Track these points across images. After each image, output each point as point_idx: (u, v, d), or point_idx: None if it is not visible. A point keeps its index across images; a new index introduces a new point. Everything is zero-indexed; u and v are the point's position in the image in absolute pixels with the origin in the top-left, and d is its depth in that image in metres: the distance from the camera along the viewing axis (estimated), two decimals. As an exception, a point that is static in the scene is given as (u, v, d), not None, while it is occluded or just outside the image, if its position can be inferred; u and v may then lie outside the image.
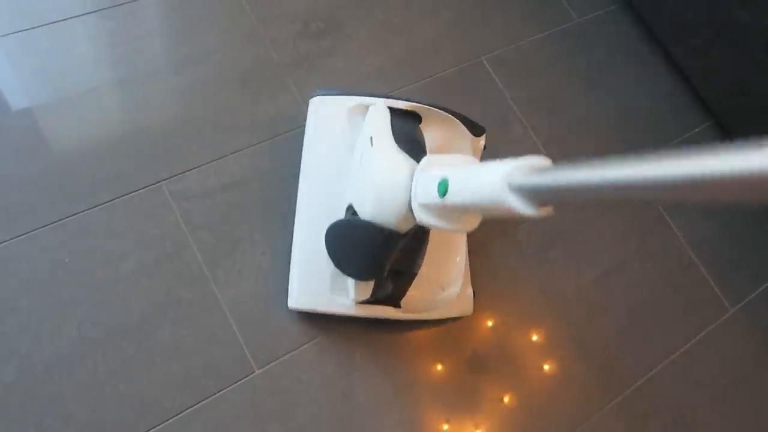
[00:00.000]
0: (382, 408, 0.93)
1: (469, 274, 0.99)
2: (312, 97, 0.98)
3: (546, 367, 1.02)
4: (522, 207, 0.54)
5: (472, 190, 0.60)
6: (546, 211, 0.54)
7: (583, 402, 1.02)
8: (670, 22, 1.26)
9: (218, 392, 0.87)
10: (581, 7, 1.33)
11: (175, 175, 0.96)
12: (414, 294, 0.92)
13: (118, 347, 0.86)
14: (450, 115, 0.95)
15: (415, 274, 0.90)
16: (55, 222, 0.89)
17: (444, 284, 0.96)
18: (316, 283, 0.90)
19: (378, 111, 0.87)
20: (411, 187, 0.71)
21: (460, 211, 0.67)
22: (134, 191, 0.94)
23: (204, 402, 0.86)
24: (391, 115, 0.85)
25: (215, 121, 1.01)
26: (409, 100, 0.93)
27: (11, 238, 0.87)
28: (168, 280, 0.90)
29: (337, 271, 0.87)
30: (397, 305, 0.92)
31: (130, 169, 0.95)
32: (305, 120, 0.98)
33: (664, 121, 1.28)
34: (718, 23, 1.15)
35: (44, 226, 0.88)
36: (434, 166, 0.70)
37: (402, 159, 0.76)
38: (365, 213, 0.77)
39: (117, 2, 1.04)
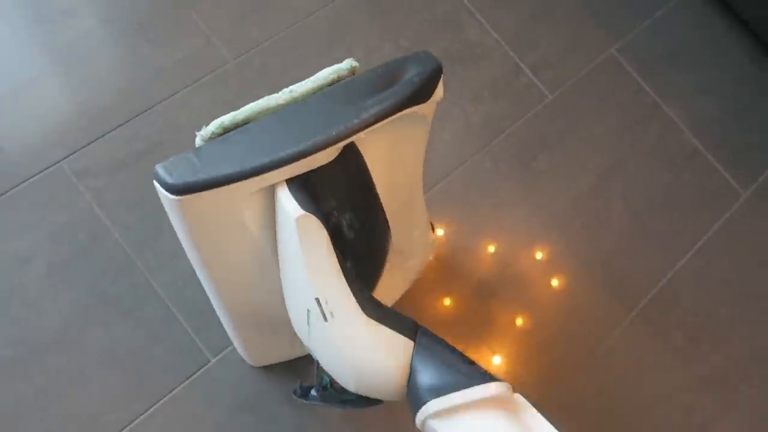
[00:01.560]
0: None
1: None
2: (179, 194, 0.52)
3: (555, 282, 0.90)
4: None
5: None
6: None
7: (601, 317, 0.90)
8: None
9: (171, 392, 0.75)
10: None
11: (75, 152, 0.80)
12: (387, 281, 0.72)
13: (43, 364, 0.73)
14: (386, 121, 0.55)
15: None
16: (-60, 231, 0.75)
17: (406, 253, 0.77)
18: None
19: (307, 227, 0.53)
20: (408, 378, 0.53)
21: None
22: (31, 177, 0.79)
23: (156, 406, 0.74)
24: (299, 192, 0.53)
25: (111, 80, 0.85)
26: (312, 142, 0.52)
27: None
28: (88, 275, 0.77)
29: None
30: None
31: (22, 152, 0.79)
32: (222, 60, 0.82)
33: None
34: None
35: (-74, 239, 0.74)
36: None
37: (383, 342, 0.54)
38: (346, 383, 0.58)
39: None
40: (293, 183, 0.53)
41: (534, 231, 0.92)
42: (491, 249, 0.91)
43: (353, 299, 0.54)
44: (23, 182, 0.78)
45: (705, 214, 1.00)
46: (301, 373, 0.75)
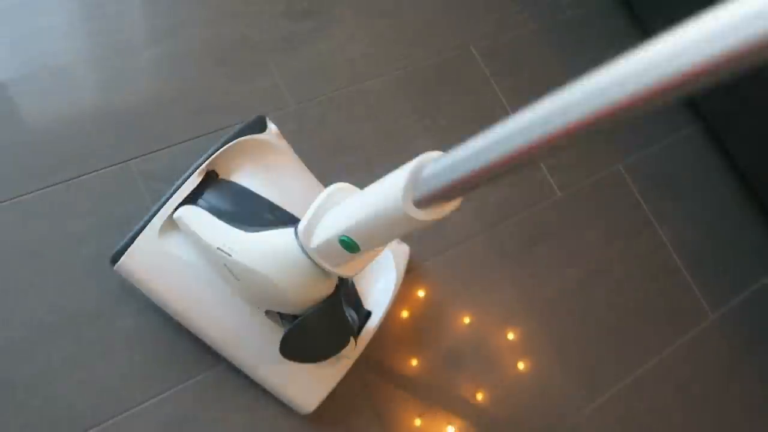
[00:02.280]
0: (354, 401, 0.89)
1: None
2: (115, 265, 0.77)
3: (521, 365, 1.00)
4: (433, 214, 0.53)
5: (379, 228, 0.57)
6: (454, 205, 0.54)
7: (561, 403, 1.00)
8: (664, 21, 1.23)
9: (179, 385, 0.83)
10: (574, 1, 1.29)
11: (144, 154, 0.91)
12: (364, 289, 0.88)
13: (76, 334, 0.81)
14: (228, 145, 0.82)
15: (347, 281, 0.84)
16: (14, 198, 0.84)
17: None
18: (305, 379, 0.82)
19: (190, 217, 0.76)
20: (310, 256, 0.65)
21: (379, 243, 0.63)
22: (101, 169, 0.88)
23: (165, 394, 0.82)
24: (200, 202, 0.78)
25: (189, 100, 0.96)
26: (184, 176, 0.80)
27: (-35, 214, 0.81)
28: (132, 265, 0.85)
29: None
30: (367, 312, 0.87)
31: (98, 146, 0.89)
32: (281, 108, 0.94)
33: (650, 120, 1.25)
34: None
35: (2, 202, 0.83)
36: (317, 233, 0.63)
37: (267, 237, 0.69)
38: (291, 308, 0.71)
39: (90, -31, 0.98)
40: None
41: (513, 312, 1.03)
42: (466, 320, 0.99)
43: (234, 230, 0.73)
44: (94, 171, 0.88)
45: (674, 327, 1.11)
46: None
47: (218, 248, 0.72)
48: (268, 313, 0.79)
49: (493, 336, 1.00)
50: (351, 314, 0.81)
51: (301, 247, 0.65)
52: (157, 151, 0.92)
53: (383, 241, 0.62)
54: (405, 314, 0.96)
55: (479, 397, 0.96)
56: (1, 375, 0.77)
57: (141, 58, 0.96)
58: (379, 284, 0.90)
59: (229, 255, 0.71)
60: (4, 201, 0.83)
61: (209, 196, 0.79)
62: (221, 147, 0.82)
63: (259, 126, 0.85)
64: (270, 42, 1.03)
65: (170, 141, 0.93)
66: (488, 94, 1.15)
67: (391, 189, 0.53)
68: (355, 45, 1.08)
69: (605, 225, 1.14)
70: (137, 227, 0.77)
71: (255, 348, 0.81)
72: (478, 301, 1.01)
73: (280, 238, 0.68)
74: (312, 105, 1.02)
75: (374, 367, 0.92)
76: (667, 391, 1.07)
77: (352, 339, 0.79)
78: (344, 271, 0.65)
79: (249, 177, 0.83)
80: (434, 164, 0.51)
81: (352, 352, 0.82)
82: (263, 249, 0.69)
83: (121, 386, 0.80)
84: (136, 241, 0.76)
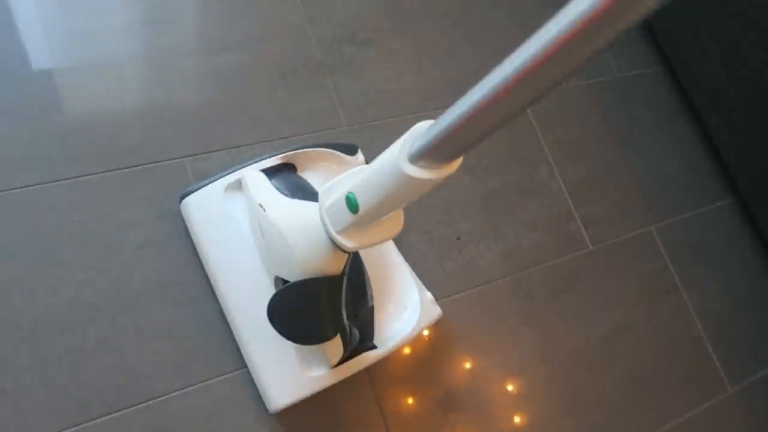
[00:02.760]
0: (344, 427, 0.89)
1: (419, 280, 0.94)
2: (181, 201, 0.88)
3: (517, 419, 0.98)
4: (426, 173, 0.54)
5: (377, 184, 0.59)
6: (451, 166, 0.55)
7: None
8: (709, 93, 1.26)
9: (204, 381, 0.84)
10: (624, 63, 1.33)
11: (199, 154, 0.94)
12: (380, 324, 0.88)
13: (112, 317, 0.82)
14: (320, 149, 0.92)
15: (372, 306, 0.87)
16: (73, 178, 0.86)
17: (402, 302, 0.92)
18: (285, 372, 0.82)
19: (252, 178, 0.84)
20: (324, 225, 0.68)
21: (380, 215, 0.65)
22: (157, 162, 0.91)
23: (190, 389, 0.83)
24: (267, 176, 0.84)
25: (247, 109, 0.99)
26: (275, 154, 0.90)
27: (24, 186, 0.84)
28: (174, 259, 0.87)
29: (300, 348, 0.82)
30: (372, 345, 0.87)
31: (156, 140, 0.92)
32: (334, 128, 0.97)
33: (686, 189, 1.28)
34: (758, 103, 1.15)
35: (60, 180, 0.86)
36: (332, 192, 0.67)
37: (301, 205, 0.74)
38: (295, 274, 0.73)
39: (172, -25, 1.03)
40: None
41: (529, 358, 1.02)
42: (470, 363, 0.98)
43: (279, 193, 0.79)
44: (152, 163, 0.91)
45: (692, 395, 1.11)
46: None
47: (259, 203, 0.78)
48: (276, 283, 0.80)
49: (494, 383, 1.00)
50: (354, 331, 0.82)
51: (321, 219, 0.68)
52: (212, 152, 0.94)
53: (382, 204, 0.61)
54: (407, 349, 0.95)
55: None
56: (37, 347, 0.78)
57: (203, 64, 1.00)
58: (397, 325, 0.91)
59: (264, 210, 0.77)
60: (64, 179, 0.86)
61: (278, 178, 0.84)
62: (312, 147, 0.91)
63: (351, 150, 0.94)
64: (331, 64, 1.07)
65: (226, 144, 0.95)
66: (533, 141, 1.17)
67: (391, 149, 0.56)
68: (409, 78, 1.12)
69: (633, 284, 1.15)
70: (210, 179, 0.87)
71: (256, 322, 0.81)
72: (493, 344, 1.02)
73: (308, 207, 0.72)
74: (363, 128, 1.05)
75: (370, 397, 0.92)
76: (679, 458, 1.06)
77: (340, 345, 0.79)
78: (346, 240, 0.66)
79: (319, 181, 0.87)
80: (427, 124, 0.54)
81: (336, 362, 0.82)
82: (291, 212, 0.75)
83: (147, 374, 0.81)
84: (204, 188, 0.87)
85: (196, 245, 0.87)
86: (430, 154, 0.53)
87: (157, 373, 0.82)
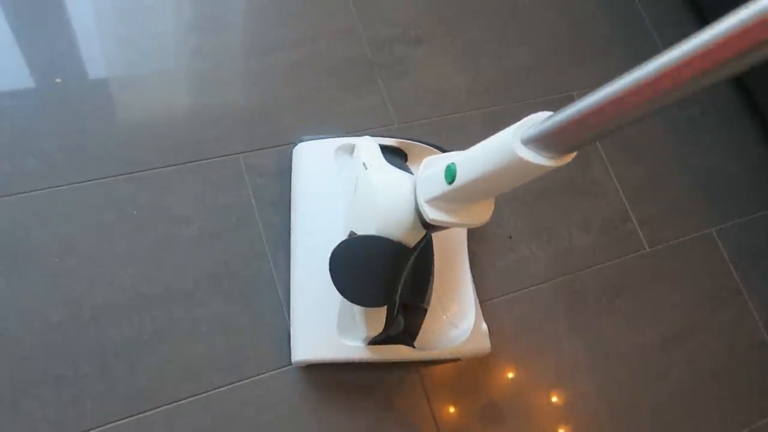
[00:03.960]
0: None
1: (480, 310, 0.92)
2: (296, 144, 0.94)
3: (574, 425, 0.95)
4: (538, 159, 0.53)
5: (482, 161, 0.58)
6: (563, 160, 0.53)
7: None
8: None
9: (253, 377, 0.84)
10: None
11: (253, 150, 0.95)
12: (426, 330, 0.86)
13: (166, 310, 0.83)
14: (433, 148, 0.93)
15: (426, 309, 0.86)
16: (129, 173, 0.88)
17: (455, 320, 0.90)
18: (321, 330, 0.83)
19: (367, 142, 0.86)
20: (414, 193, 0.69)
21: (472, 194, 0.63)
22: (211, 158, 0.93)
23: (238, 383, 0.83)
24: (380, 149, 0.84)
25: (299, 107, 1.00)
26: (393, 137, 0.93)
27: (83, 181, 0.86)
28: (227, 252, 0.88)
29: (344, 312, 0.82)
30: (411, 344, 0.86)
31: (211, 136, 0.94)
32: (385, 125, 0.97)
33: (747, 190, 1.22)
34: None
35: (118, 176, 0.88)
36: (433, 164, 0.67)
37: (399, 172, 0.75)
38: (371, 230, 0.72)
39: (227, -23, 1.05)
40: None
41: (571, 368, 0.99)
42: (510, 375, 0.95)
43: (383, 159, 0.80)
44: (206, 159, 0.92)
45: (757, 406, 1.06)
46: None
47: (363, 162, 0.79)
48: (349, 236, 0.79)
49: (540, 390, 0.97)
50: (400, 318, 0.82)
51: (415, 186, 0.69)
52: (265, 149, 0.95)
53: (480, 180, 0.60)
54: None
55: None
56: (95, 336, 0.79)
57: (257, 62, 1.01)
58: (441, 339, 0.89)
59: (366, 168, 0.78)
60: (120, 175, 0.88)
61: (389, 155, 0.84)
62: (424, 142, 0.93)
63: None
64: (382, 63, 1.07)
65: (278, 141, 0.96)
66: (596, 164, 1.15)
67: (503, 132, 0.56)
68: (459, 77, 1.11)
69: (692, 287, 1.11)
70: (327, 136, 0.93)
71: (314, 275, 0.83)
72: (542, 348, 0.99)
73: (406, 177, 0.73)
74: (414, 126, 1.05)
75: (416, 405, 0.91)
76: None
77: (383, 320, 0.78)
78: (430, 210, 0.66)
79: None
80: (545, 114, 0.53)
81: (373, 336, 0.81)
82: (389, 177, 0.75)
83: (201, 366, 0.82)
84: (318, 141, 0.92)
85: (292, 187, 0.92)
86: (546, 141, 0.52)
87: (211, 366, 0.82)
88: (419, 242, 0.71)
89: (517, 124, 0.55)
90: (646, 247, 1.11)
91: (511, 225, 1.04)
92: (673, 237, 1.13)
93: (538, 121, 0.53)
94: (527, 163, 0.52)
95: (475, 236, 1.01)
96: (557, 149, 0.52)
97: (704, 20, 1.32)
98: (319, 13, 1.08)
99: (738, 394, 1.06)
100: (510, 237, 1.03)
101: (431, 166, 0.66)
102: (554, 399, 0.96)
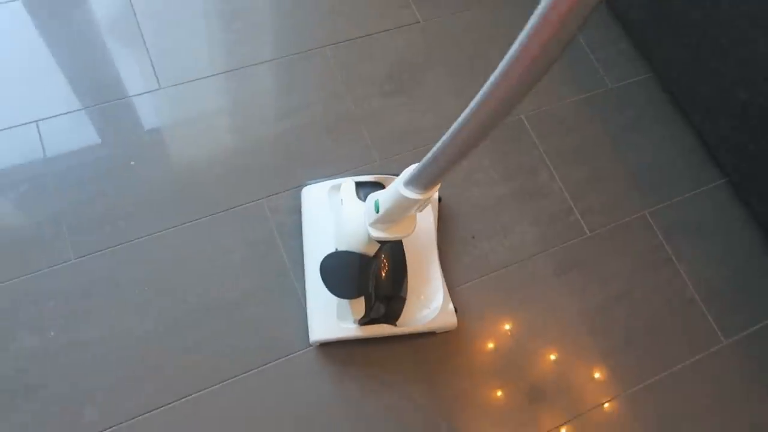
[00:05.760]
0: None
1: (448, 294, 1.23)
2: (303, 186, 1.29)
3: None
4: (413, 194, 0.82)
5: (389, 196, 0.89)
6: (428, 193, 0.82)
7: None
8: (699, 102, 1.47)
9: (288, 355, 1.20)
10: (616, 75, 1.57)
11: (272, 194, 1.31)
12: (404, 311, 1.20)
13: (207, 319, 1.20)
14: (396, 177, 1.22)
15: (404, 298, 1.19)
16: (191, 221, 1.26)
17: (427, 302, 1.22)
18: (327, 317, 1.17)
19: (347, 183, 1.12)
20: (364, 218, 0.97)
21: (391, 217, 0.91)
22: (242, 204, 1.29)
23: (279, 360, 1.19)
24: (357, 186, 1.12)
25: (303, 157, 1.36)
26: (371, 174, 1.26)
27: (147, 234, 1.25)
28: (260, 272, 1.25)
29: (340, 304, 1.16)
30: (394, 323, 1.17)
31: (239, 188, 1.31)
32: (368, 163, 1.30)
33: (676, 177, 1.49)
34: (741, 108, 1.35)
35: (177, 226, 1.26)
36: (371, 199, 0.95)
37: (360, 203, 1.02)
38: (344, 247, 1.05)
39: (240, 65, 1.42)
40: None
41: (526, 334, 1.30)
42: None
43: (355, 196, 1.07)
44: (238, 206, 1.29)
45: (688, 346, 1.33)
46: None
47: (341, 198, 1.07)
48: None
49: (500, 355, 1.28)
50: (379, 305, 1.16)
51: (364, 214, 0.99)
52: (280, 192, 1.31)
53: (390, 209, 0.89)
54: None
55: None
56: (171, 339, 1.17)
57: (272, 126, 1.37)
58: (417, 317, 1.22)
59: (342, 203, 1.07)
60: (175, 226, 1.26)
61: (365, 189, 1.10)
62: (393, 174, 1.22)
63: None
64: (365, 114, 1.41)
65: (290, 185, 1.32)
66: (534, 153, 1.45)
67: (399, 177, 0.86)
68: (426, 117, 1.44)
69: (630, 259, 1.39)
70: (323, 179, 1.29)
71: (320, 280, 1.14)
72: (501, 320, 1.30)
73: (362, 204, 1.01)
74: (392, 161, 1.38)
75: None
76: (677, 400, 1.28)
77: (362, 307, 1.10)
78: (372, 230, 0.95)
79: None
80: (415, 166, 0.83)
81: (357, 318, 1.13)
82: (354, 208, 1.02)
83: (243, 350, 1.19)
84: (319, 183, 1.28)
85: (302, 218, 1.27)
86: (413, 182, 0.84)
87: (256, 348, 1.19)
88: (378, 251, 1.05)
89: (403, 172, 0.86)
90: (588, 232, 1.40)
91: (473, 228, 1.36)
92: (612, 221, 1.42)
93: (410, 169, 0.85)
94: (407, 198, 0.84)
95: (445, 239, 1.33)
96: (422, 186, 0.83)
97: (636, 45, 1.57)
98: (313, 83, 1.43)
99: (672, 339, 1.33)
100: (473, 237, 1.35)
101: (369, 202, 0.99)
102: (513, 357, 1.28)
